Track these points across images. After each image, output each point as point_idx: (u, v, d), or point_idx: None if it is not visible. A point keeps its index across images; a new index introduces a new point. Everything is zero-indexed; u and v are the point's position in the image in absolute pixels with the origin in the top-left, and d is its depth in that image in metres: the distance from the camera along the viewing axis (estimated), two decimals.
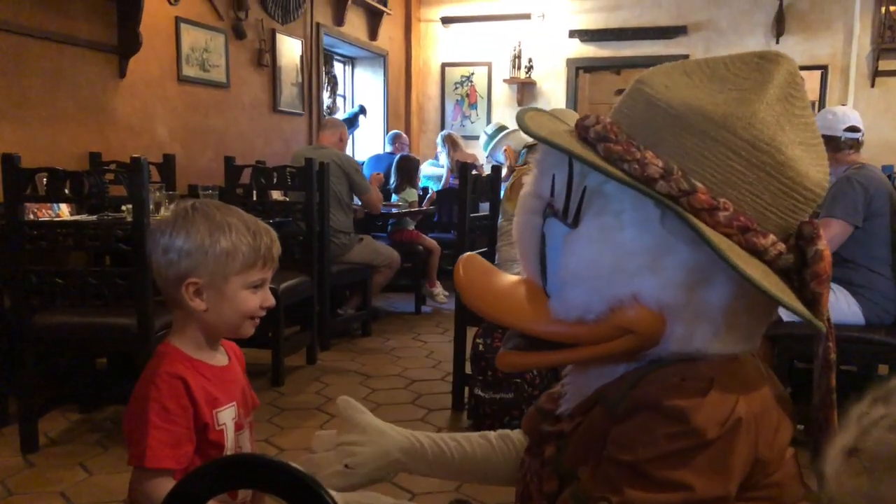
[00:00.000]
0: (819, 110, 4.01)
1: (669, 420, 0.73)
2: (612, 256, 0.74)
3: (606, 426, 0.79)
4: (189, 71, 4.33)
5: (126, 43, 3.78)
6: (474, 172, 3.13)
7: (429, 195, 5.61)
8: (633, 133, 0.74)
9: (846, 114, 2.80)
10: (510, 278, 0.88)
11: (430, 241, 5.09)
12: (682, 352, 0.77)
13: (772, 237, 0.72)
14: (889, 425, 0.37)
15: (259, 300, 1.16)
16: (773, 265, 0.73)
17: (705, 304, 0.74)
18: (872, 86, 6.14)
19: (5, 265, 2.47)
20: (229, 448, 1.18)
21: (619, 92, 3.76)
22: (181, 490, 0.83)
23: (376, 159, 5.90)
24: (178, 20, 4.20)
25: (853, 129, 2.73)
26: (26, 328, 2.43)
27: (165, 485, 1.04)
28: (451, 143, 6.00)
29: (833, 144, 2.65)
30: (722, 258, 0.67)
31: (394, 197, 5.12)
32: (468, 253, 0.91)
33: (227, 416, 1.17)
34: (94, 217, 2.89)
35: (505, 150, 5.06)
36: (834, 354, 0.78)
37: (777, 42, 6.31)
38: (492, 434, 1.10)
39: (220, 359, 1.21)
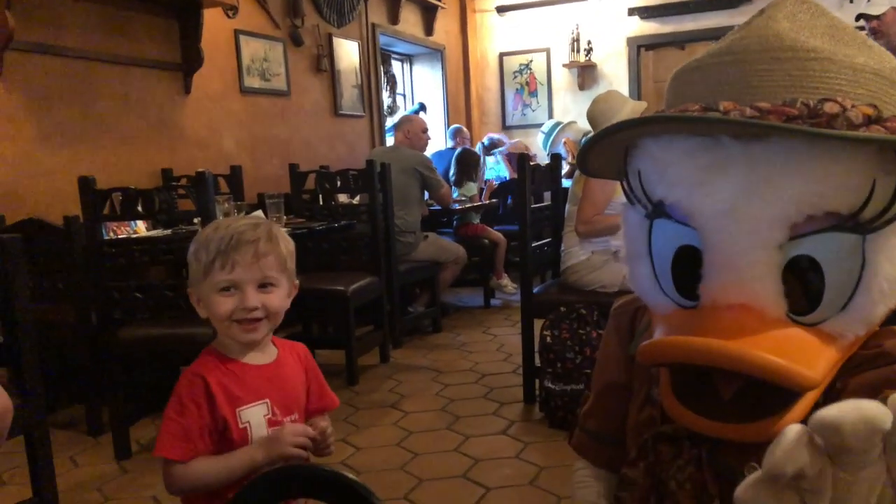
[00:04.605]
0: None
1: None
2: None
3: None
4: (251, 82, 4.44)
5: (189, 59, 3.91)
6: (532, 163, 3.08)
7: (485, 188, 5.58)
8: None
9: None
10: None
11: (495, 233, 5.08)
12: None
13: None
14: None
15: (233, 304, 1.14)
16: None
17: None
18: None
19: (89, 282, 2.61)
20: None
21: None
22: (243, 497, 0.86)
23: (438, 156, 5.89)
24: (236, 33, 4.32)
25: None
26: (111, 342, 2.56)
27: (174, 473, 1.10)
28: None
29: None
30: None
31: (454, 192, 5.13)
32: None
33: (253, 414, 1.16)
34: (168, 231, 3.01)
35: (564, 143, 5.01)
36: None
37: (851, 2, 5.97)
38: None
39: (258, 357, 1.21)
